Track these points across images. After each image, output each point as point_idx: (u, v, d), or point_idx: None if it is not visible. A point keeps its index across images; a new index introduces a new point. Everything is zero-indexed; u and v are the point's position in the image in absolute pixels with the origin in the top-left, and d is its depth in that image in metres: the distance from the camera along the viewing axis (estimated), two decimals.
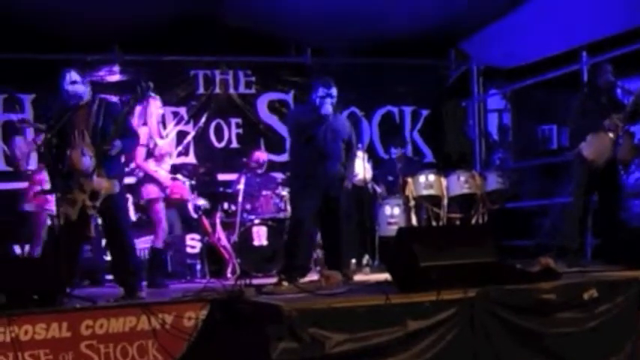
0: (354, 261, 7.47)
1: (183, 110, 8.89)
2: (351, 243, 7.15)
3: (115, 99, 7.83)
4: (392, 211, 8.25)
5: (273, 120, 9.31)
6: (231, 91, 9.22)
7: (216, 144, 9.11)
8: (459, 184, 8.22)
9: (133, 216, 8.18)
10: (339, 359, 4.04)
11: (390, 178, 8.69)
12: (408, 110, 9.98)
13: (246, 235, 7.83)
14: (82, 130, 5.41)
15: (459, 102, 10.32)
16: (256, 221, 7.94)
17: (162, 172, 6.92)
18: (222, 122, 9.14)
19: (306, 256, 6.47)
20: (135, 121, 6.77)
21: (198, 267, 8.03)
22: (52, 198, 6.21)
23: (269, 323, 4.08)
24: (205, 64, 9.09)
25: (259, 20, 8.30)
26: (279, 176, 8.43)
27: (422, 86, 9.99)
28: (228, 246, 7.96)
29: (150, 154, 6.86)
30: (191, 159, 8.85)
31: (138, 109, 6.80)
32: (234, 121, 9.20)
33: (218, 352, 4.63)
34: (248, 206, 8.03)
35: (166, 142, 7.12)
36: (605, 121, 6.24)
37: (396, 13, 8.18)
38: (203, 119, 9.01)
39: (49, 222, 7.31)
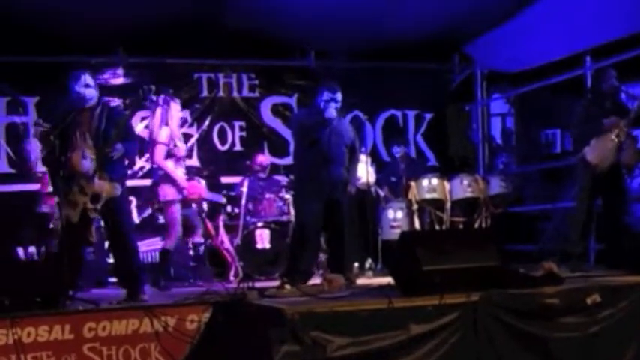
0: (356, 264, 7.49)
1: (186, 113, 8.87)
2: (354, 246, 7.14)
3: (118, 102, 7.85)
4: (395, 215, 8.25)
5: (276, 123, 9.32)
6: (235, 94, 9.23)
7: (219, 147, 9.12)
8: (462, 188, 8.21)
9: (136, 218, 8.21)
10: None
11: (394, 179, 8.70)
12: (411, 114, 9.99)
13: (249, 238, 7.84)
14: (85, 133, 5.42)
15: (462, 106, 10.31)
16: (259, 224, 7.94)
17: (180, 172, 6.97)
18: (225, 125, 9.16)
19: (309, 260, 6.46)
20: (157, 121, 6.86)
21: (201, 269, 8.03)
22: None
23: (271, 326, 4.08)
24: (209, 67, 9.11)
25: (263, 23, 8.31)
26: (282, 179, 8.44)
27: (425, 90, 9.98)
28: (231, 249, 7.97)
29: (170, 154, 6.91)
30: (194, 162, 8.85)
31: (159, 111, 6.87)
32: (237, 124, 9.21)
33: (220, 355, 4.63)
34: (250, 206, 8.03)
35: (185, 146, 7.18)
36: (605, 120, 6.24)
37: (399, 18, 8.18)
38: (207, 122, 9.03)
39: (51, 225, 7.34)
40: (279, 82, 9.42)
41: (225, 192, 8.34)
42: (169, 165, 6.88)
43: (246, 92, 9.28)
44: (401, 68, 9.53)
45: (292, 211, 7.64)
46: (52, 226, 7.30)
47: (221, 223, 8.08)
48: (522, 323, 4.48)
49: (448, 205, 8.25)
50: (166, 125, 6.87)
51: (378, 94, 9.65)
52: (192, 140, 8.86)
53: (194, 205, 7.64)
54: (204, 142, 9.02)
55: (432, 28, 8.61)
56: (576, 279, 5.38)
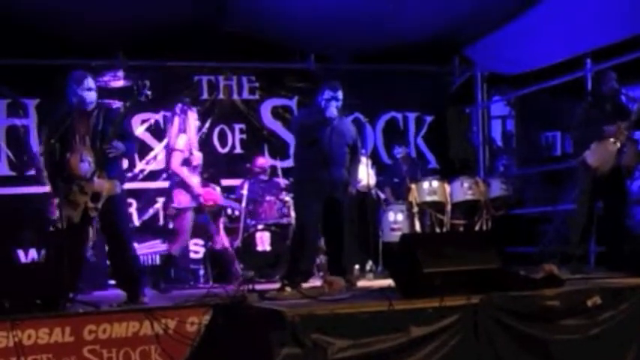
0: (357, 267, 7.47)
1: None
2: (355, 249, 7.14)
3: (119, 104, 7.85)
4: (395, 217, 8.24)
5: (276, 126, 9.32)
6: (235, 96, 9.23)
7: (219, 149, 9.11)
8: (463, 190, 8.20)
9: (136, 220, 8.20)
10: None
11: (397, 181, 8.69)
12: (412, 116, 9.98)
13: (250, 241, 7.83)
14: (84, 136, 5.43)
15: (462, 108, 10.30)
16: (259, 227, 7.94)
17: (195, 179, 7.02)
18: (225, 128, 9.15)
19: (309, 262, 6.46)
20: (175, 129, 6.98)
21: (202, 272, 8.02)
22: None
23: (272, 329, 4.07)
24: (209, 69, 9.11)
25: (263, 26, 8.31)
26: (282, 182, 8.43)
27: (426, 92, 9.98)
28: (231, 251, 7.95)
29: (186, 162, 6.98)
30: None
31: (177, 119, 6.99)
32: (237, 126, 9.21)
33: (221, 358, 4.63)
34: (250, 209, 8.03)
35: (200, 155, 7.23)
36: (606, 127, 6.24)
37: (400, 20, 8.18)
38: (207, 125, 9.01)
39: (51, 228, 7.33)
40: (280, 85, 9.42)
41: (225, 194, 8.34)
42: (184, 171, 6.92)
43: (246, 95, 9.27)
44: (401, 70, 9.53)
45: (292, 214, 7.63)
46: (51, 228, 7.31)
47: (221, 226, 8.06)
48: (523, 325, 4.48)
49: (449, 207, 8.23)
50: (184, 133, 6.98)
51: (378, 97, 9.63)
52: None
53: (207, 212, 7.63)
54: (205, 144, 8.97)
55: (432, 31, 8.61)
56: (577, 281, 5.37)
